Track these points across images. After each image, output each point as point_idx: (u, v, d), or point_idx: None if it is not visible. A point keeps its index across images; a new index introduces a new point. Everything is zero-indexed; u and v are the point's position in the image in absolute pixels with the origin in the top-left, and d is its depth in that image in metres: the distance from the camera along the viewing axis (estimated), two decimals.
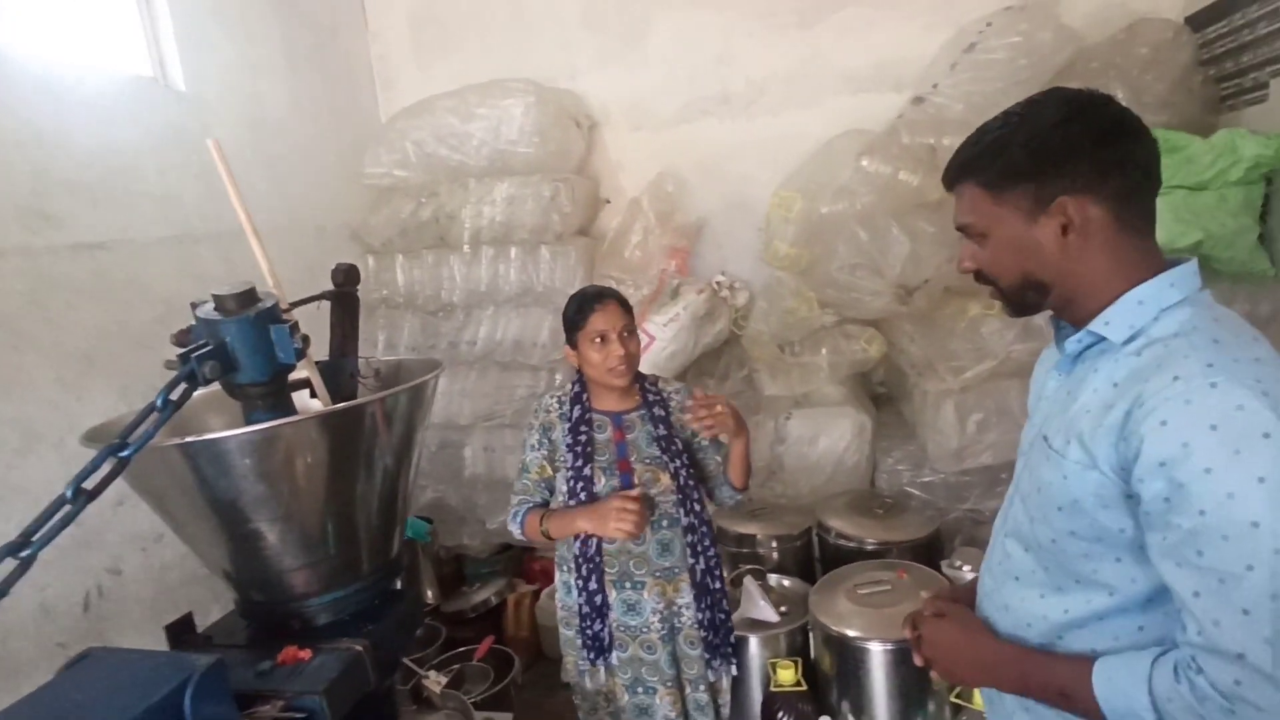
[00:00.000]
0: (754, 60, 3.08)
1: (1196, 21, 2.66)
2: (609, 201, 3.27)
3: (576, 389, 1.86)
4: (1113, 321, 0.91)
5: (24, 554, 0.98)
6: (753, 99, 3.11)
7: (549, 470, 1.87)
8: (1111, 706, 0.86)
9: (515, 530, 1.86)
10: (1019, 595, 1.02)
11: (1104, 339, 0.92)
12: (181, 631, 1.52)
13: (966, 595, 1.20)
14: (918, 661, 1.13)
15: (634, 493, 1.71)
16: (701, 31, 3.09)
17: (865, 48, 2.97)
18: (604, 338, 1.75)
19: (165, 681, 1.05)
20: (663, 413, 1.83)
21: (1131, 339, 0.90)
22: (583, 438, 1.80)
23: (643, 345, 2.49)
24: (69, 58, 2.15)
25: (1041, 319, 2.50)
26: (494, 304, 3.05)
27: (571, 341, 1.81)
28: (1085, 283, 0.93)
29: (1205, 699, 0.78)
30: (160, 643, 1.49)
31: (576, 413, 1.83)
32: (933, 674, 1.13)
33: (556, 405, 1.87)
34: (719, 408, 1.69)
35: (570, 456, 1.79)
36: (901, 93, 2.89)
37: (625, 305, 1.80)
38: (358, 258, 3.15)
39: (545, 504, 1.87)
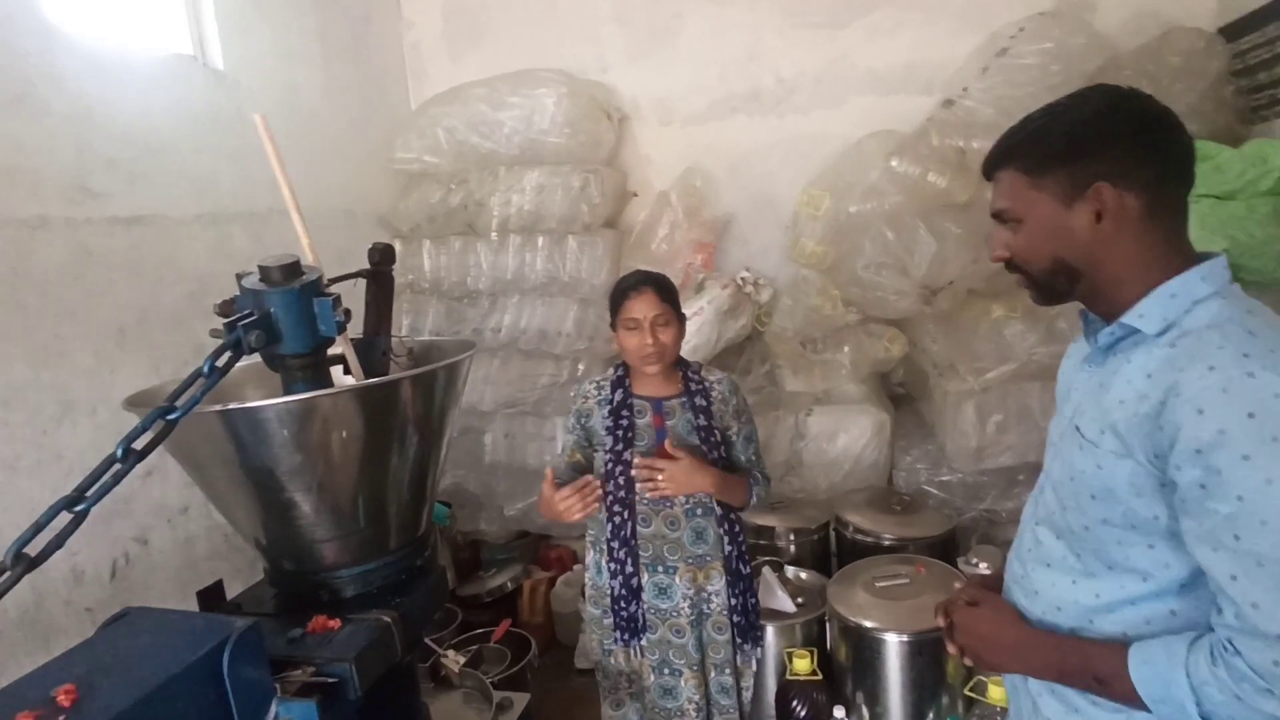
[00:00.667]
0: (784, 59, 3.09)
1: (1230, 32, 2.65)
2: (636, 194, 3.29)
3: (620, 373, 1.88)
4: (1146, 314, 0.92)
5: (79, 508, 1.01)
6: (782, 97, 3.11)
7: (578, 455, 1.89)
8: (1149, 691, 0.87)
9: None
10: (1050, 580, 1.03)
11: (1137, 331, 0.93)
12: (212, 597, 1.55)
13: (995, 584, 1.21)
14: (951, 649, 1.14)
15: (583, 480, 1.72)
16: (732, 29, 3.10)
17: (895, 49, 2.97)
18: (637, 324, 1.77)
19: (204, 641, 1.08)
20: (704, 402, 1.84)
21: (1164, 331, 0.91)
22: (624, 422, 1.81)
23: None
24: (114, 33, 2.19)
25: (1066, 323, 2.52)
26: (519, 292, 3.07)
27: (613, 325, 1.85)
28: (1115, 272, 0.95)
29: (1243, 680, 0.79)
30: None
31: (618, 396, 1.84)
32: (965, 660, 1.13)
33: (595, 391, 1.89)
34: (660, 478, 1.69)
35: (610, 440, 1.81)
36: (931, 95, 2.89)
37: (665, 293, 1.80)
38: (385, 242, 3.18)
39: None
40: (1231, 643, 0.81)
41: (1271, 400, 0.78)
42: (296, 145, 2.80)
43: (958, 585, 1.24)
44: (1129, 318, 0.94)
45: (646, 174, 3.30)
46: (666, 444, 1.76)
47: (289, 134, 2.75)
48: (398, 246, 3.20)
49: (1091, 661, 0.94)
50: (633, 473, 1.77)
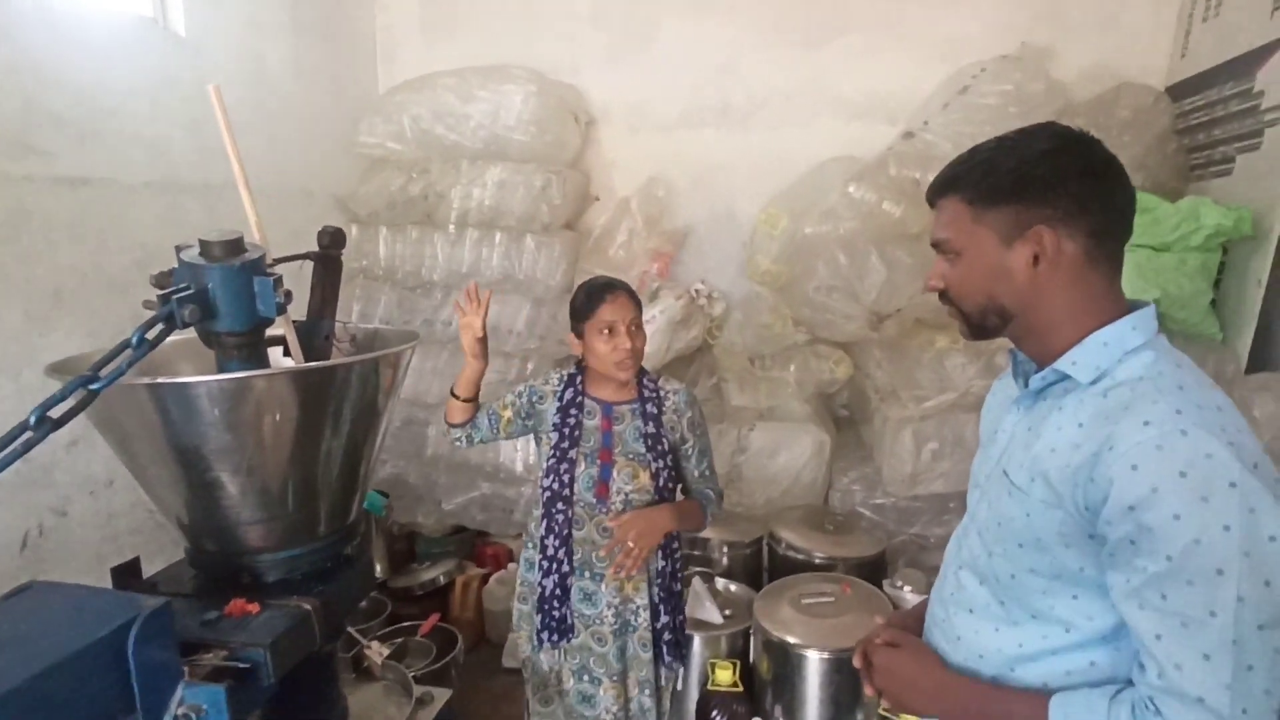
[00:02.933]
0: (756, 75, 3.13)
1: (1176, 92, 2.78)
2: (598, 199, 3.30)
3: (573, 372, 1.87)
4: (1079, 361, 0.92)
5: None
6: (751, 112, 3.16)
7: (508, 413, 1.87)
8: None
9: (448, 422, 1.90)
10: (973, 627, 1.02)
11: (1068, 377, 0.93)
12: (127, 574, 1.51)
13: (913, 622, 1.20)
14: (868, 691, 1.12)
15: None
16: (708, 41, 3.14)
17: (865, 75, 3.04)
18: (612, 329, 1.73)
19: (109, 619, 1.04)
20: (655, 410, 1.81)
21: (1097, 379, 0.91)
22: (571, 420, 1.80)
23: None
24: None
25: (1005, 358, 2.60)
26: None
27: (578, 331, 1.79)
28: (1048, 316, 0.94)
29: None
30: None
31: (569, 395, 1.82)
32: (882, 703, 1.12)
33: (557, 383, 1.86)
34: (629, 546, 1.70)
35: (556, 436, 1.80)
36: (894, 124, 2.96)
37: (635, 299, 1.79)
38: (342, 225, 3.11)
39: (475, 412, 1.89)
40: (1153, 701, 0.81)
41: (1203, 460, 0.78)
42: (257, 118, 2.75)
43: (878, 620, 1.23)
44: (1062, 364, 0.93)
45: (610, 179, 3.32)
46: (607, 520, 1.76)
47: (250, 106, 2.71)
48: (354, 231, 3.17)
49: (1012, 712, 0.93)
50: (608, 570, 1.77)
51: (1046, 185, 0.92)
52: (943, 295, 1.04)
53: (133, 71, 2.27)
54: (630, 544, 1.69)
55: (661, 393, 1.84)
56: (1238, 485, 0.77)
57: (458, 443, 1.91)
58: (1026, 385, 1.02)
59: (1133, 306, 0.95)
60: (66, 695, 0.98)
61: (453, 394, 1.86)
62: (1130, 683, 0.87)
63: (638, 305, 1.79)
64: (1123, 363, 0.90)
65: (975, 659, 1.01)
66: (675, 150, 3.22)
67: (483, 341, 1.79)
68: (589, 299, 1.77)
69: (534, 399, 1.87)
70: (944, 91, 2.84)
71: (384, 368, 1.54)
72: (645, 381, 1.84)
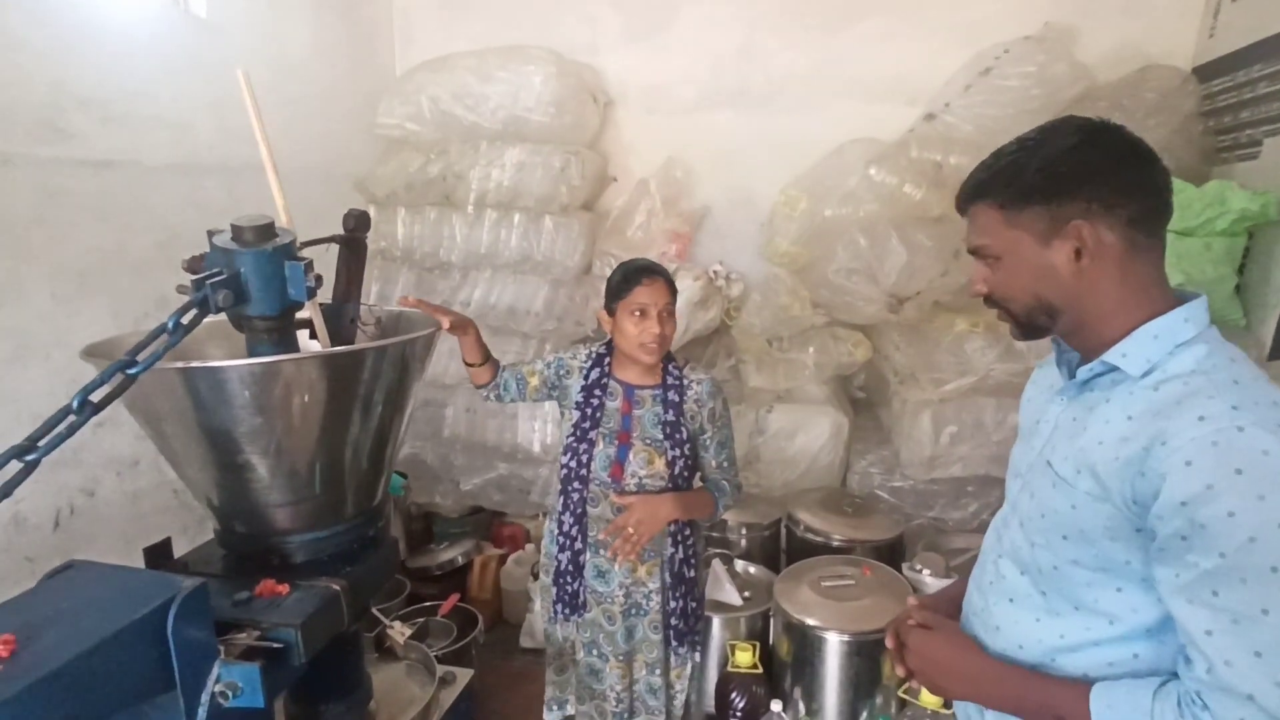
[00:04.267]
0: (775, 58, 3.10)
1: (1203, 73, 2.73)
2: (616, 180, 3.29)
3: (602, 351, 1.88)
4: (1130, 354, 0.90)
5: (29, 458, 0.99)
6: (770, 95, 3.13)
7: (535, 380, 1.90)
8: None
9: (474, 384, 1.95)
10: (1013, 617, 1.02)
11: (1117, 369, 0.92)
12: (159, 555, 1.54)
13: (945, 604, 1.20)
14: (900, 672, 1.12)
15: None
16: (727, 23, 3.11)
17: (884, 59, 3.00)
18: (644, 312, 1.74)
19: (150, 598, 1.07)
20: (677, 398, 1.81)
21: (1147, 373, 0.89)
22: (595, 400, 1.81)
23: None
24: None
25: (1025, 342, 2.58)
26: (492, 267, 3.07)
27: (610, 309, 1.80)
28: (1097, 309, 0.93)
29: None
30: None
31: (595, 374, 1.84)
32: (913, 683, 1.11)
33: (584, 359, 1.88)
34: (630, 531, 1.70)
35: (577, 415, 1.82)
36: (914, 107, 2.92)
37: (672, 285, 1.79)
38: (360, 207, 3.13)
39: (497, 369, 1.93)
40: (1200, 696, 0.81)
41: (1260, 457, 0.77)
42: (277, 99, 2.75)
43: (911, 601, 1.22)
44: (1111, 356, 0.92)
45: (628, 160, 3.30)
46: (613, 496, 1.76)
47: (270, 87, 2.69)
48: (372, 212, 3.15)
49: (1053, 699, 0.93)
50: (606, 553, 1.78)
51: (1076, 180, 0.91)
52: (988, 299, 1.03)
53: (155, 54, 2.27)
54: (630, 530, 1.70)
55: (685, 381, 1.84)
56: None
57: (487, 399, 1.96)
58: (1071, 375, 1.01)
59: (1182, 298, 0.93)
60: (111, 672, 1.00)
61: (466, 363, 1.91)
62: (1174, 675, 0.87)
63: (673, 292, 1.79)
64: (1174, 356, 0.89)
65: (1015, 649, 1.01)
66: (693, 132, 3.19)
67: (455, 318, 1.79)
68: (625, 280, 1.77)
69: (561, 373, 1.89)
70: (966, 73, 2.80)
71: (410, 351, 1.55)
72: (670, 369, 1.85)
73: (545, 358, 1.92)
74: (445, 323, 1.76)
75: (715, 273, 3.03)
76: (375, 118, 3.16)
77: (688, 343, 3.04)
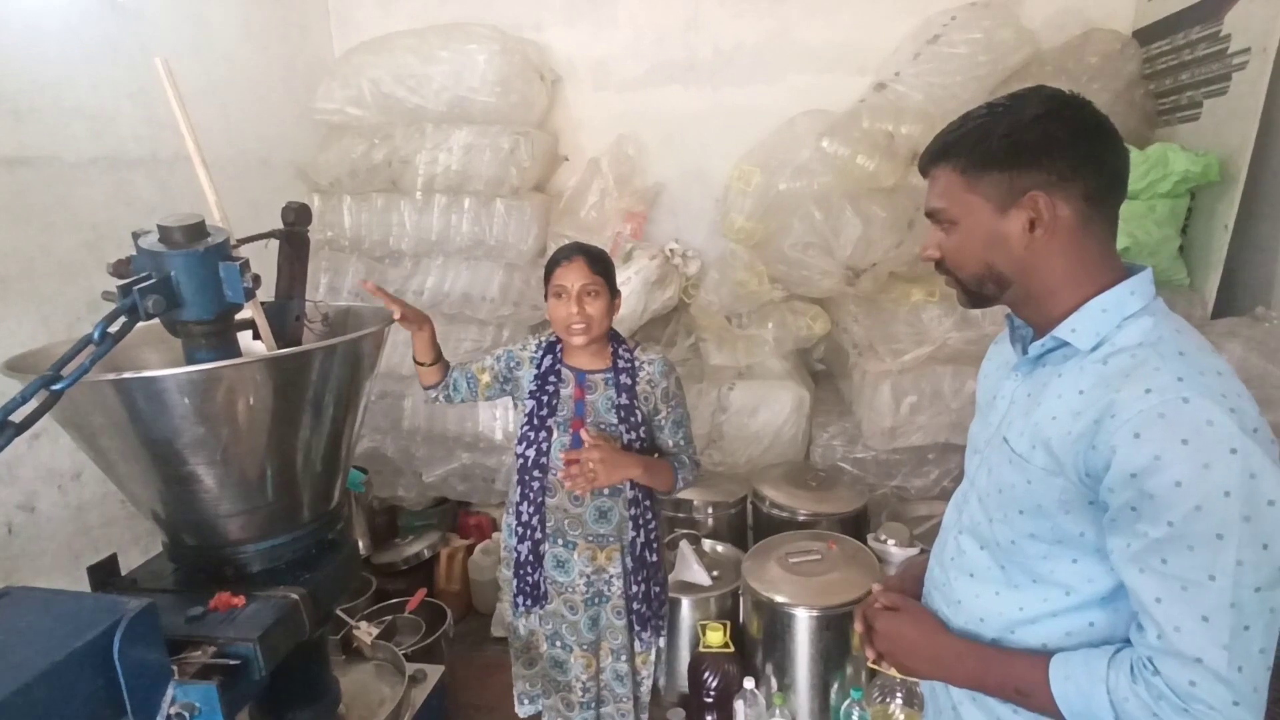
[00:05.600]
0: (723, 30, 3.05)
1: (1144, 36, 2.77)
2: (567, 159, 3.22)
3: (553, 338, 1.86)
4: (1079, 329, 0.92)
5: None
6: (718, 69, 3.09)
7: (485, 378, 1.89)
8: (1069, 704, 0.89)
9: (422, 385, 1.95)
10: (973, 591, 1.04)
11: (1068, 344, 0.94)
12: (105, 573, 1.47)
13: (910, 583, 1.22)
14: (870, 655, 1.14)
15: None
16: None
17: (834, 27, 2.98)
18: (564, 293, 1.73)
19: (92, 624, 1.02)
20: (629, 381, 1.80)
21: (1096, 346, 0.91)
22: (549, 388, 1.80)
23: None
24: None
25: (980, 312, 2.61)
26: (444, 254, 2.99)
27: (546, 294, 1.81)
28: (1045, 282, 0.95)
29: (1161, 698, 0.82)
30: (77, 584, 1.44)
31: (547, 362, 1.82)
32: (883, 666, 1.14)
33: (534, 349, 1.86)
34: (590, 466, 1.66)
35: (532, 404, 1.80)
36: (864, 76, 2.92)
37: (596, 264, 1.75)
38: (303, 196, 3.02)
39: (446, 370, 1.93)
40: (1152, 661, 0.84)
41: (1204, 427, 0.79)
42: (207, 87, 2.63)
43: (875, 586, 1.24)
44: (1061, 331, 0.94)
45: (578, 138, 3.24)
46: (582, 431, 1.72)
47: (198, 74, 2.59)
48: (316, 201, 3.06)
49: (1013, 673, 0.96)
50: (560, 476, 1.74)
51: (1040, 150, 0.91)
52: (939, 264, 1.04)
53: (71, 42, 2.14)
54: (591, 466, 1.66)
55: (637, 363, 1.83)
56: (1238, 451, 0.78)
57: (435, 401, 1.95)
58: (1024, 351, 1.03)
59: (1130, 270, 0.95)
60: (53, 704, 0.95)
61: (415, 361, 1.88)
62: (1127, 643, 0.89)
63: (599, 270, 1.76)
64: (1122, 329, 0.91)
65: (976, 622, 1.03)
66: (643, 108, 3.14)
67: (411, 312, 1.78)
68: (550, 263, 1.79)
69: (511, 364, 1.87)
70: (914, 41, 2.79)
71: (361, 348, 1.49)
72: (621, 351, 1.83)
73: (494, 352, 1.90)
74: (396, 312, 1.71)
75: (672, 250, 3.00)
76: (314, 102, 3.04)
77: (647, 323, 3.01)
